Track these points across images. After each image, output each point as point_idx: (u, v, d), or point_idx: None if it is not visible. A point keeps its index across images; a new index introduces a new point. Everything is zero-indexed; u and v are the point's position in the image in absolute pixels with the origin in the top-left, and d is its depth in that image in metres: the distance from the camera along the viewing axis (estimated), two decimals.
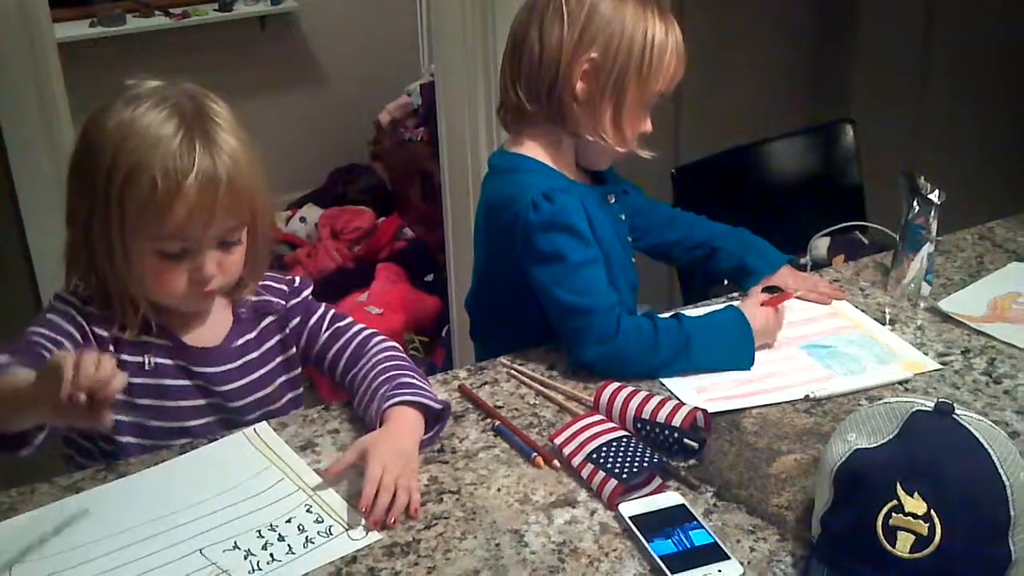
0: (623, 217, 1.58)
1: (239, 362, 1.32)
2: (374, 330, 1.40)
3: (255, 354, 1.34)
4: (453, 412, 1.34)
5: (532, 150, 1.47)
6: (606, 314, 1.39)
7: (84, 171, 1.19)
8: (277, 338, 1.36)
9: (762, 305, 1.49)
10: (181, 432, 1.28)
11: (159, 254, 1.18)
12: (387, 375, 1.29)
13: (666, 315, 1.47)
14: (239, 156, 1.18)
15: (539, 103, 1.43)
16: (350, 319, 1.41)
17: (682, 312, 1.50)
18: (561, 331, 1.44)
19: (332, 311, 1.40)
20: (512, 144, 1.50)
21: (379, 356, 1.33)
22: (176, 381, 1.28)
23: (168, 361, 1.27)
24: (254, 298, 1.34)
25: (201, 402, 1.30)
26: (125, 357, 1.24)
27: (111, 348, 1.23)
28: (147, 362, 1.26)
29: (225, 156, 1.17)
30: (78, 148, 1.21)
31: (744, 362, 1.44)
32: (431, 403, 1.26)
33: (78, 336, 1.22)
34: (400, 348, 1.38)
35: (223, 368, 1.30)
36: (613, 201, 1.56)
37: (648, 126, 1.47)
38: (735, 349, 1.44)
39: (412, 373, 1.30)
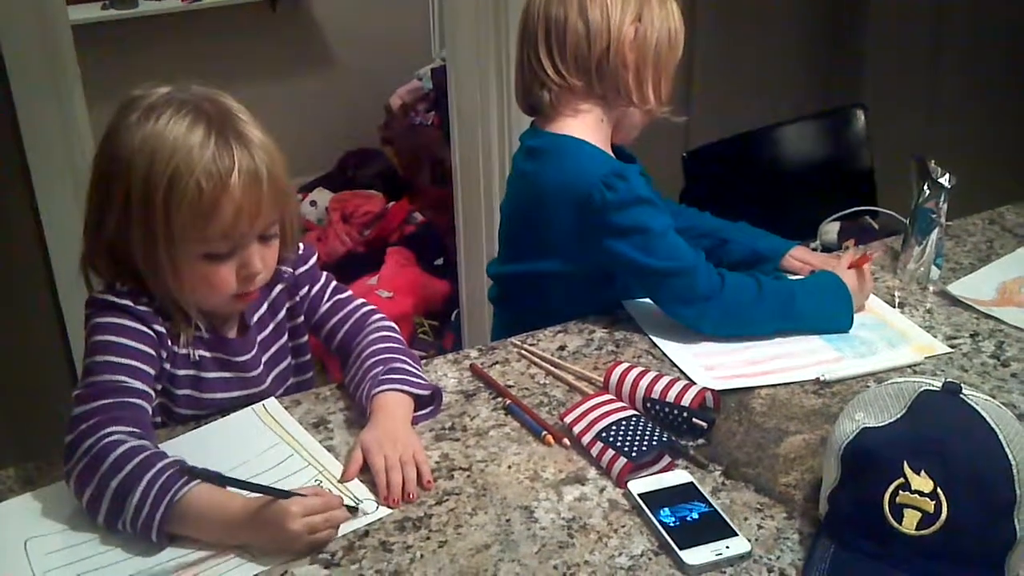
0: None
1: (258, 340, 1.33)
2: (373, 307, 1.41)
3: (270, 327, 1.35)
4: (464, 391, 1.35)
5: (575, 129, 1.48)
6: (706, 269, 1.44)
7: (114, 187, 1.16)
8: (287, 306, 1.37)
9: (848, 268, 1.53)
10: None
11: (207, 257, 1.18)
12: (379, 357, 1.30)
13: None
14: (269, 147, 1.18)
15: (588, 77, 1.45)
16: (349, 292, 1.42)
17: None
18: (659, 295, 1.48)
19: (333, 281, 1.41)
20: (549, 123, 1.50)
21: (375, 335, 1.35)
22: (215, 373, 1.29)
23: (208, 354, 1.28)
24: None
25: (237, 393, 1.31)
26: (176, 349, 1.25)
27: (168, 342, 1.23)
28: (192, 354, 1.26)
29: (259, 150, 1.16)
30: (101, 166, 1.18)
31: (844, 324, 1.49)
32: (418, 391, 1.27)
33: (151, 350, 1.20)
34: (396, 328, 1.38)
35: (252, 354, 1.31)
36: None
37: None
38: (836, 310, 1.49)
39: (404, 358, 1.31)
